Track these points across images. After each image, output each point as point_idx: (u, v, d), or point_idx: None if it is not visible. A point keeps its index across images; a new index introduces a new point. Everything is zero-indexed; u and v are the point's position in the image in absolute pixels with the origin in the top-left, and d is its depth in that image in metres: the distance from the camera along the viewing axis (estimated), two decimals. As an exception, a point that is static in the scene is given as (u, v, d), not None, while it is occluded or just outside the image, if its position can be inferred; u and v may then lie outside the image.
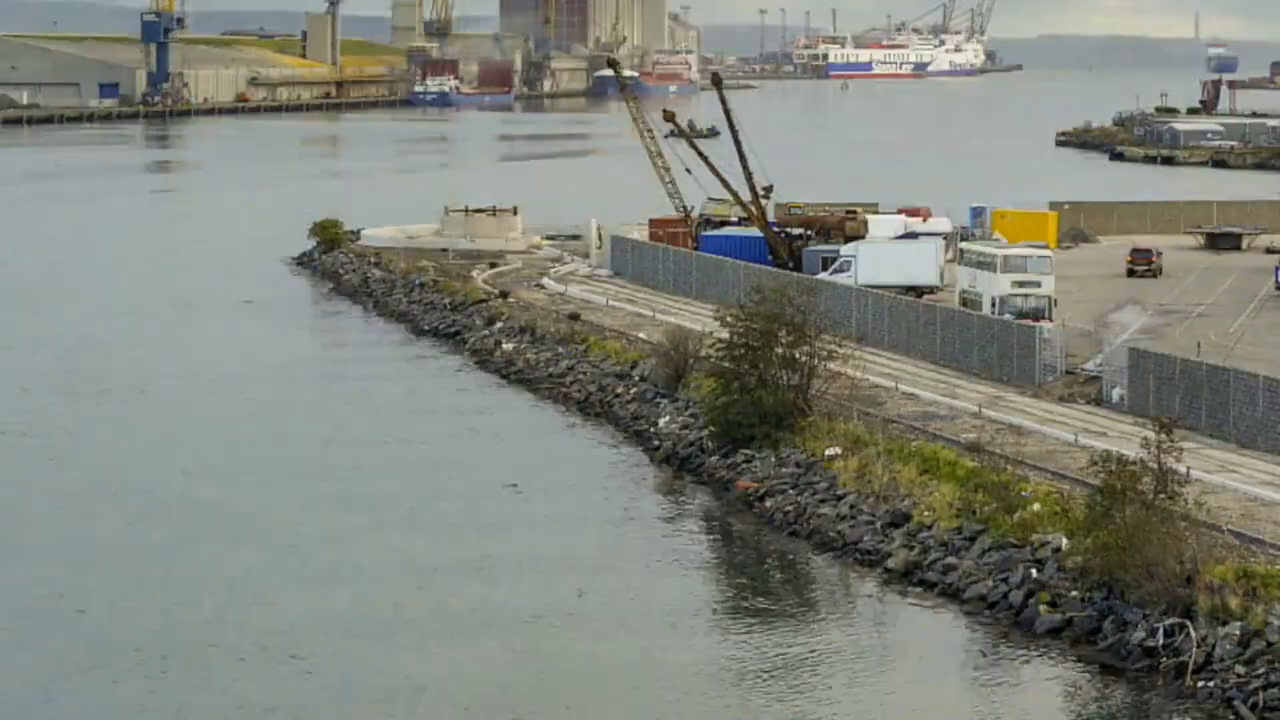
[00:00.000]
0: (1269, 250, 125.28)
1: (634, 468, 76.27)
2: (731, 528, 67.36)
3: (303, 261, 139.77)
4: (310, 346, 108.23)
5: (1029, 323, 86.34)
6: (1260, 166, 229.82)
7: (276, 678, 51.93)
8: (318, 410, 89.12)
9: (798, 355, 73.32)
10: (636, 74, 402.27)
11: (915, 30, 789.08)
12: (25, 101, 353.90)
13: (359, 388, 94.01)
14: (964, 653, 53.94)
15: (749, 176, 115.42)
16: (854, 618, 57.43)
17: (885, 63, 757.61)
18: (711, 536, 67.06)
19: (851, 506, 64.62)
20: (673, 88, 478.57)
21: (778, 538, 65.00)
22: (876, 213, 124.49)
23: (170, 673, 52.28)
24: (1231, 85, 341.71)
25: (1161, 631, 50.66)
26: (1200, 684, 48.83)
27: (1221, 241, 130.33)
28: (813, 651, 54.28)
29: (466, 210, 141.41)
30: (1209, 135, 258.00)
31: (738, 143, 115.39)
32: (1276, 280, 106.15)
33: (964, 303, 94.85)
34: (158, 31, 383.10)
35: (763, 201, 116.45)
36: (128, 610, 57.62)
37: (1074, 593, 54.08)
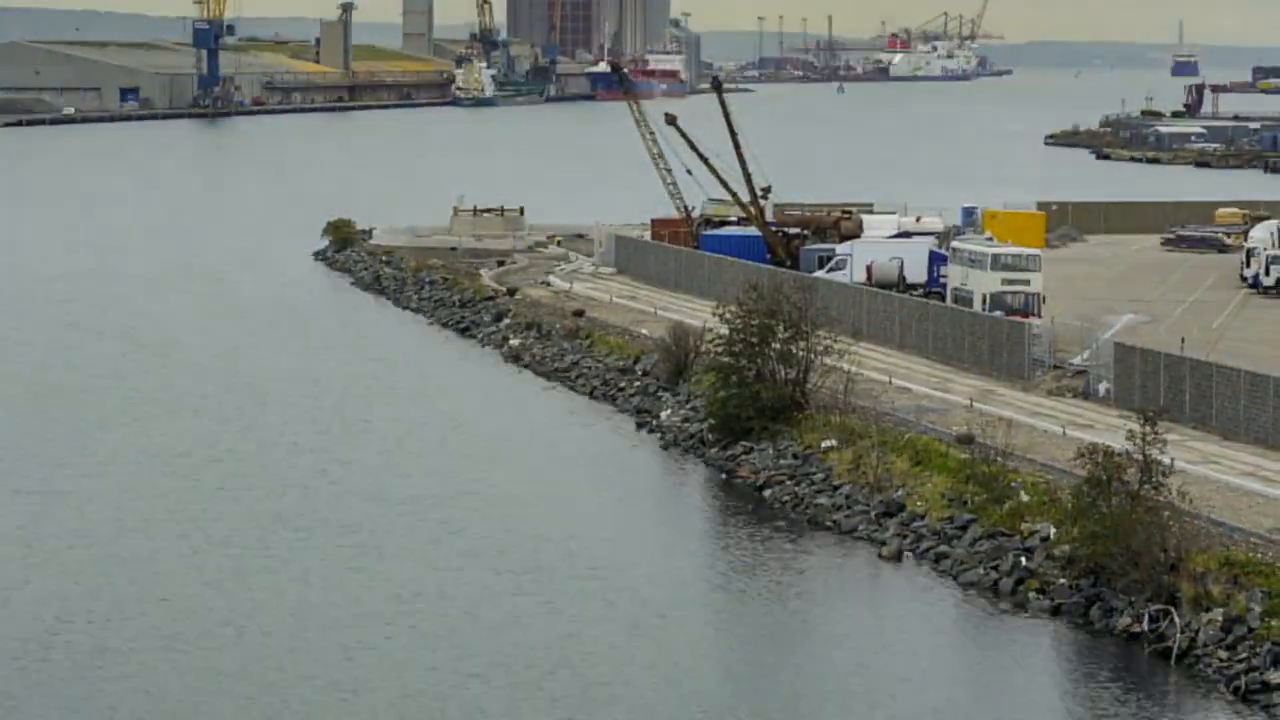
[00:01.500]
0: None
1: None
2: (732, 516, 67.44)
3: (316, 259, 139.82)
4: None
5: (1018, 318, 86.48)
6: (1241, 168, 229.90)
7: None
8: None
9: (795, 350, 73.30)
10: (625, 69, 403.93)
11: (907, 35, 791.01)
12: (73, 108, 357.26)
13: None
14: (958, 634, 53.99)
15: (748, 177, 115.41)
16: (847, 597, 57.46)
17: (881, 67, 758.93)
18: (712, 521, 67.21)
19: (847, 497, 64.62)
20: (662, 85, 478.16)
21: (775, 525, 65.03)
22: (871, 212, 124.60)
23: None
24: (1214, 89, 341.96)
25: (1147, 617, 50.66)
26: (1184, 668, 48.85)
27: (1203, 241, 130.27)
28: (808, 629, 54.37)
29: (475, 210, 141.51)
30: (1193, 138, 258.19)
31: (737, 145, 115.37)
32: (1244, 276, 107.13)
33: (956, 299, 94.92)
34: (209, 38, 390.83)
35: (761, 201, 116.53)
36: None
37: (1062, 580, 54.09)
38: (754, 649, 53.46)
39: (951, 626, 54.95)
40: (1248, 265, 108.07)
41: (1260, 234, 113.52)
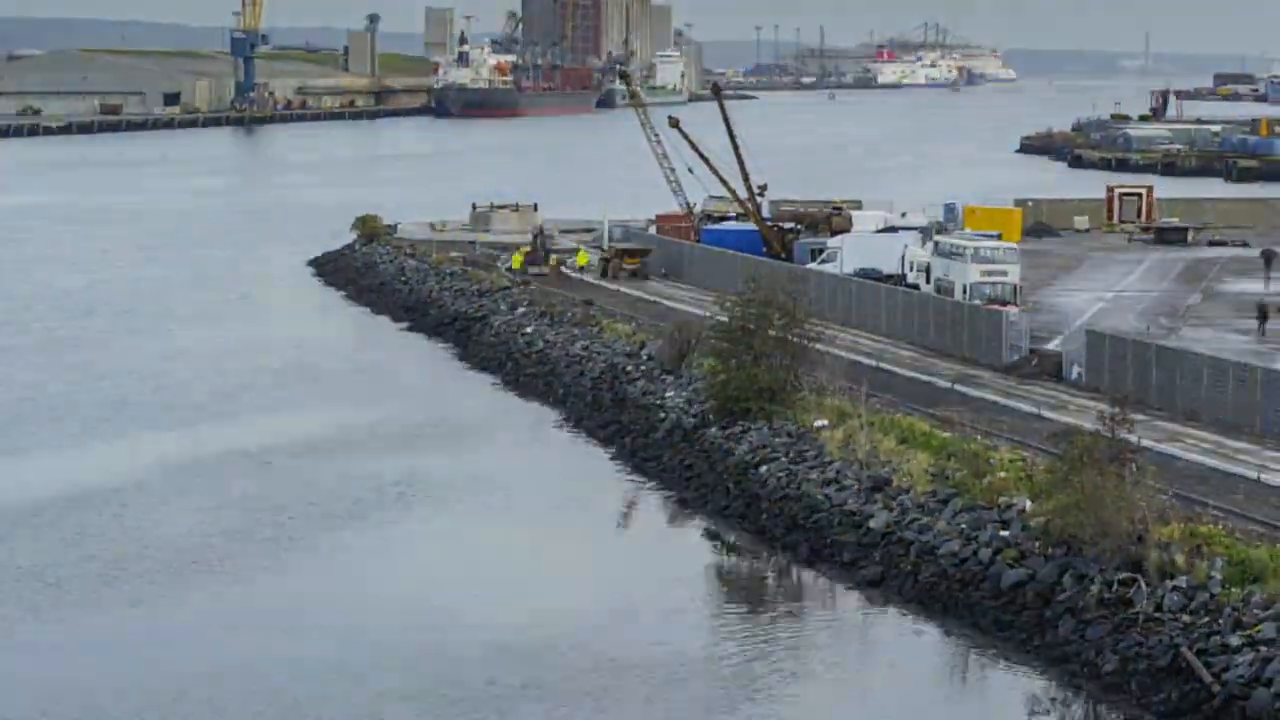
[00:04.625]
0: (1212, 243, 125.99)
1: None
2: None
3: (344, 253, 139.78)
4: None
5: (996, 307, 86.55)
6: (1204, 168, 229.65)
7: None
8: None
9: (789, 336, 73.31)
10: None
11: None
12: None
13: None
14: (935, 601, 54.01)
15: (745, 176, 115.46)
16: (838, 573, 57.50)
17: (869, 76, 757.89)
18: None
19: (838, 472, 64.61)
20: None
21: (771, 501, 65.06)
22: (860, 209, 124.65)
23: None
24: (1179, 95, 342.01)
25: (1115, 585, 50.66)
26: (1150, 632, 48.86)
27: (1169, 235, 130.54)
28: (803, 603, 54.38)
29: (492, 206, 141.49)
30: (1158, 140, 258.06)
31: (735, 146, 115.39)
32: None
33: (938, 289, 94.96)
34: (245, 47, 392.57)
35: (758, 199, 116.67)
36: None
37: (1037, 550, 54.09)
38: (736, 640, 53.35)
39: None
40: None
41: None
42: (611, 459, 73.59)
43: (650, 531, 64.32)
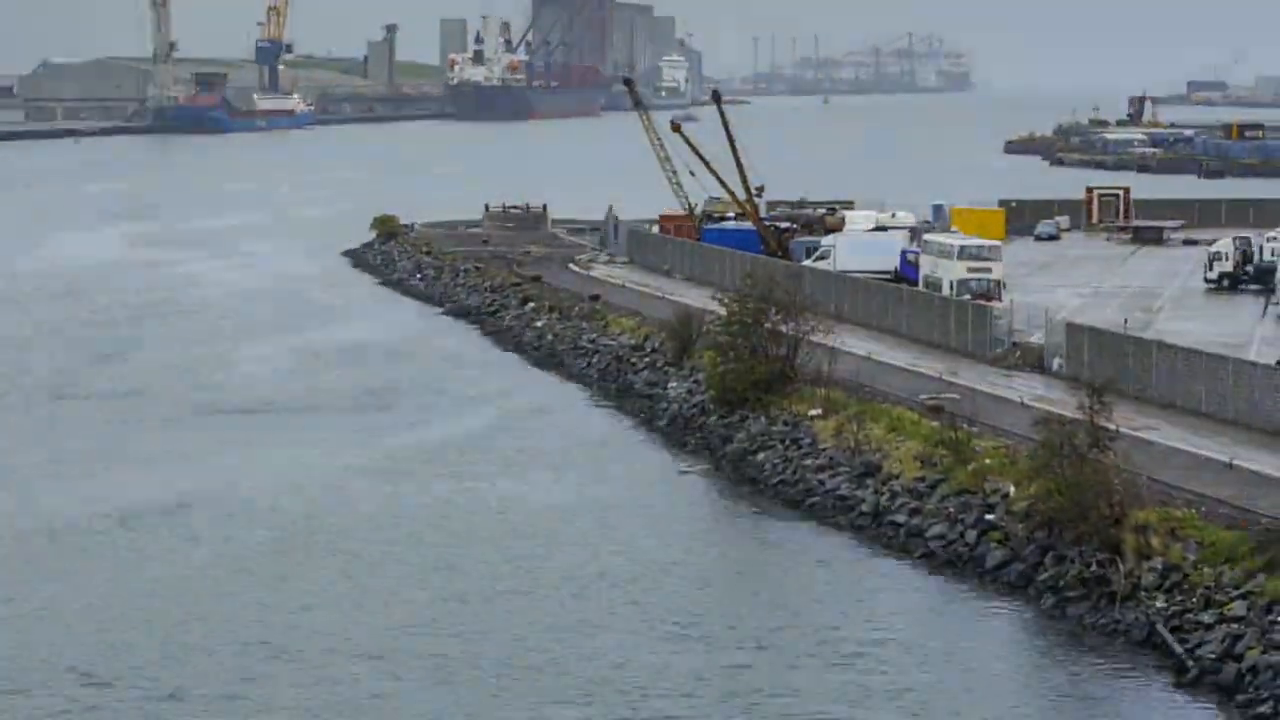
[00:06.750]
0: (1186, 242, 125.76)
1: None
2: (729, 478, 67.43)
3: (364, 250, 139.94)
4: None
5: (982, 302, 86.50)
6: (1178, 170, 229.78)
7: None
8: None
9: (785, 330, 73.29)
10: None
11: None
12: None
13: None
14: (926, 585, 53.98)
15: (744, 178, 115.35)
16: (832, 555, 57.46)
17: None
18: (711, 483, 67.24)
19: (830, 459, 64.60)
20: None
21: (769, 487, 65.08)
22: (852, 209, 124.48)
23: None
24: (1155, 101, 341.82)
25: (1094, 565, 50.63)
26: (1127, 611, 48.84)
27: (1145, 234, 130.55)
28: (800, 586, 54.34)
29: (504, 207, 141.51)
30: (1135, 144, 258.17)
31: (734, 149, 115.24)
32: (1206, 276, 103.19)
33: (927, 285, 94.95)
34: (270, 55, 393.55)
35: (755, 199, 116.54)
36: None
37: (1020, 532, 54.07)
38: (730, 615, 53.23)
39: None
40: (1210, 269, 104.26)
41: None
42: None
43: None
